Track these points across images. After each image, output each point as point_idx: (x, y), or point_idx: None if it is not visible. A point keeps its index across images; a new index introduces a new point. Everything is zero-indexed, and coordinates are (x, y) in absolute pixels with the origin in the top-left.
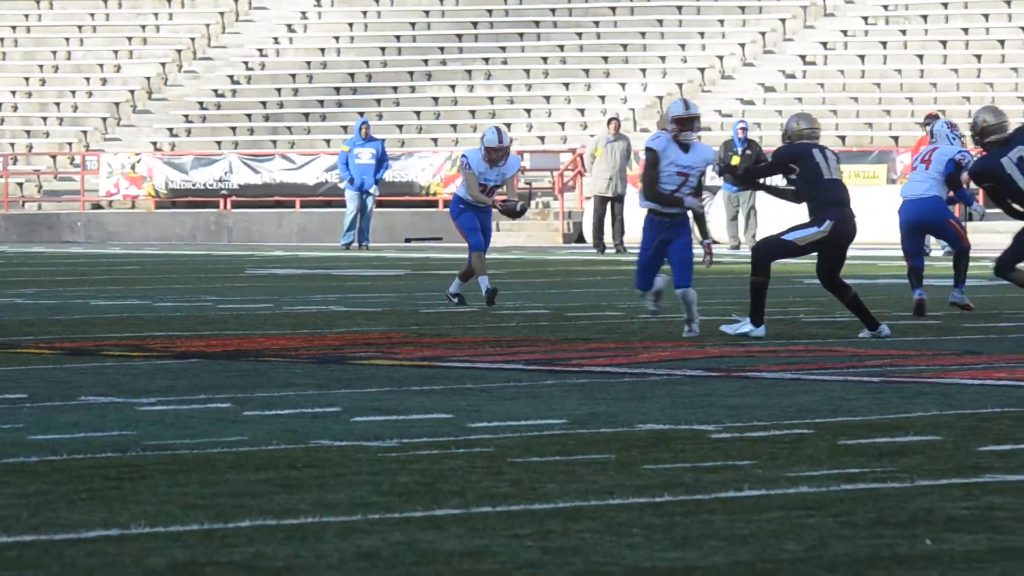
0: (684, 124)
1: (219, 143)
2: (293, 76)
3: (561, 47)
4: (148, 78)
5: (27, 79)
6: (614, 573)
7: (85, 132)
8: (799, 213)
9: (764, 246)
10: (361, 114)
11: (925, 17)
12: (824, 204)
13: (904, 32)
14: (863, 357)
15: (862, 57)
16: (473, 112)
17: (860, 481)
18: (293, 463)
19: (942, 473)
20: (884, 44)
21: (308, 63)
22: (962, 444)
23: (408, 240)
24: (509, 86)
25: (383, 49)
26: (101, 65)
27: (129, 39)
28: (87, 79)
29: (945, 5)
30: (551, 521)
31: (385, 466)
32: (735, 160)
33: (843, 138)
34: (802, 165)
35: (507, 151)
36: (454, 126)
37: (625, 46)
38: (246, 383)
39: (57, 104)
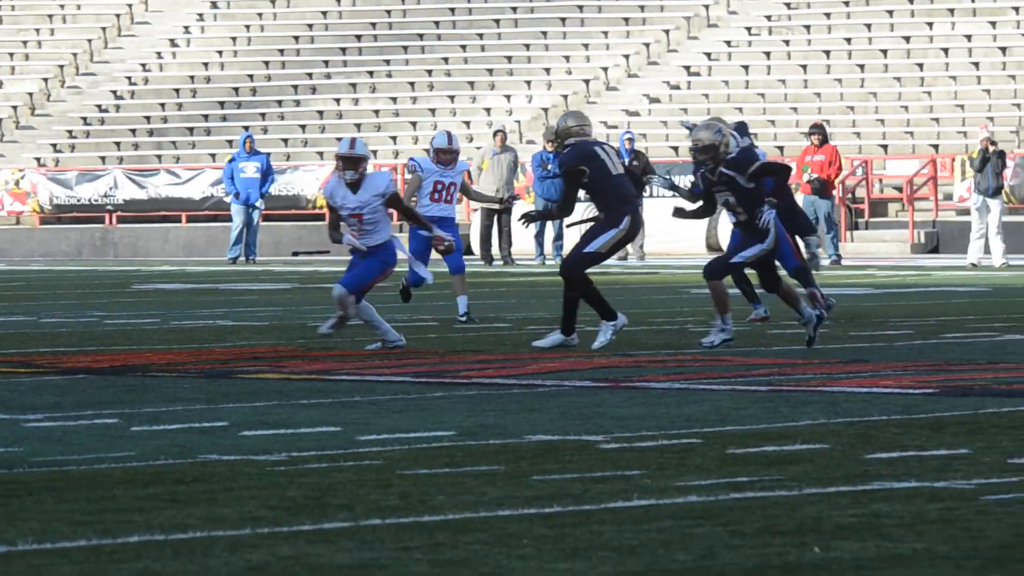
0: (348, 163)
1: (103, 158)
2: (177, 90)
3: (446, 59)
4: (31, 94)
5: None
6: None
7: None
8: (682, 223)
9: (571, 263)
10: (246, 128)
11: (808, 27)
12: (618, 201)
13: (787, 42)
14: (751, 367)
15: (746, 68)
16: (358, 125)
17: (748, 490)
18: (181, 478)
19: (830, 481)
20: (768, 55)
21: (192, 77)
22: (849, 452)
23: (295, 254)
24: (394, 99)
25: (267, 63)
26: None
27: (11, 55)
28: None
29: (828, 15)
30: (440, 533)
31: (274, 480)
32: None
33: None
34: (591, 165)
35: (457, 154)
36: (339, 140)
37: (510, 58)
38: (133, 398)
39: None
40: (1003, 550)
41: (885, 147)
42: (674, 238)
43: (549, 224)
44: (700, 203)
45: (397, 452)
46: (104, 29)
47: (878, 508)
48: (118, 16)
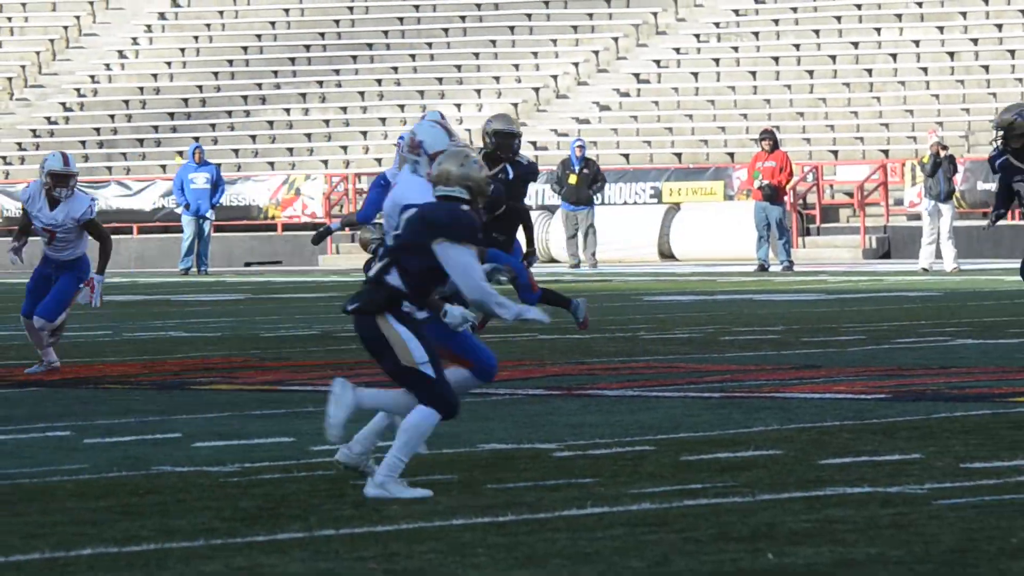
0: (59, 180)
1: None
2: (126, 102)
3: (395, 68)
4: None
5: None
6: None
7: None
8: (634, 230)
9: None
10: (196, 139)
11: (757, 34)
12: None
13: (736, 49)
14: (703, 373)
15: (695, 74)
16: (309, 135)
17: (702, 496)
18: (134, 490)
19: (783, 487)
20: (717, 61)
21: (141, 88)
22: (803, 458)
23: (247, 264)
24: (344, 108)
25: (216, 73)
26: None
27: None
28: None
29: (776, 22)
30: (395, 543)
31: (227, 491)
32: (572, 179)
33: (679, 155)
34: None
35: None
36: (290, 149)
37: (459, 67)
38: (86, 411)
39: None
40: (956, 555)
41: (835, 153)
42: (627, 245)
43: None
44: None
45: None
46: (52, 41)
47: (831, 513)
48: (66, 28)
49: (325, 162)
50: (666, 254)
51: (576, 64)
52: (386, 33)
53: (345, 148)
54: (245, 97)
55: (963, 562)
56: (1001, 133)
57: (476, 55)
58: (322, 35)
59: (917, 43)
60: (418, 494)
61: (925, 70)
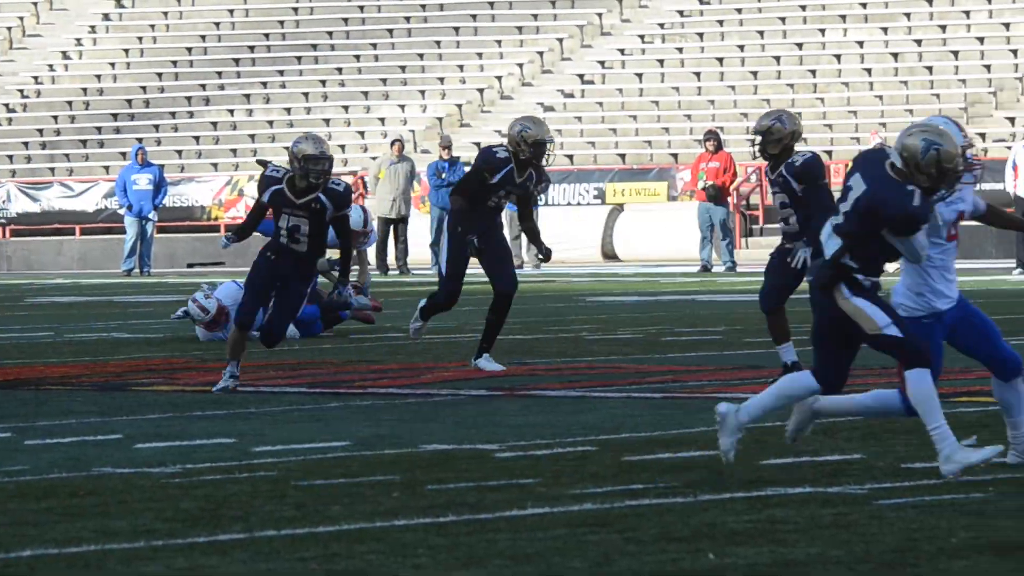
0: None
1: None
2: (70, 103)
3: (339, 69)
4: None
5: None
6: None
7: None
8: (578, 231)
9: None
10: (139, 140)
11: (701, 35)
12: None
13: (681, 50)
14: (646, 374)
15: (640, 75)
16: (252, 136)
17: (644, 497)
18: (75, 491)
19: (724, 487)
20: (661, 62)
21: (84, 90)
22: (744, 458)
23: (190, 265)
24: (288, 109)
25: (160, 74)
26: None
27: None
28: None
29: (721, 23)
30: (335, 544)
31: (168, 492)
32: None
33: (623, 156)
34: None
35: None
36: (234, 151)
37: (404, 68)
38: (27, 412)
39: None
40: (896, 554)
41: None
42: (570, 246)
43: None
44: None
45: (292, 463)
46: None
47: (772, 514)
48: (10, 29)
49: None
50: (609, 255)
51: (520, 65)
52: (330, 34)
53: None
54: (189, 98)
55: (903, 562)
56: (759, 139)
57: (420, 56)
58: (266, 36)
59: (861, 44)
60: (986, 453)
61: (869, 71)
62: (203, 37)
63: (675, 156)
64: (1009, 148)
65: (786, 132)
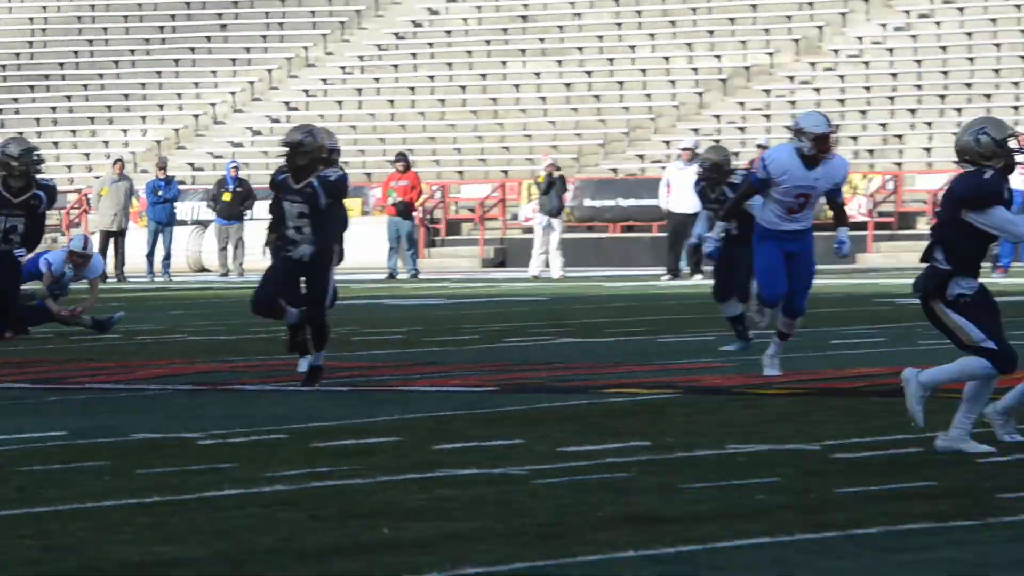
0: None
1: None
2: None
3: (69, 97)
4: None
5: None
6: (105, 568)
7: None
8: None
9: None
10: None
11: (396, 66)
12: None
13: (377, 80)
14: (335, 369)
15: (340, 103)
16: None
17: (329, 479)
18: None
19: (401, 470)
20: (359, 91)
21: None
22: (420, 444)
23: None
24: (20, 133)
25: None
26: None
27: None
28: None
29: (414, 55)
30: (51, 522)
31: None
32: (226, 196)
33: None
34: None
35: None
36: None
37: (127, 96)
38: None
39: None
40: (547, 527)
41: (461, 172)
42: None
43: (159, 244)
44: None
45: (14, 451)
46: None
47: (442, 492)
48: None
49: None
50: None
51: (233, 93)
52: (62, 65)
53: None
54: None
55: (556, 534)
56: (288, 151)
57: (143, 85)
58: (3, 67)
59: (538, 75)
60: (979, 448)
61: (544, 99)
62: None
63: (368, 175)
64: (663, 168)
65: (316, 146)
